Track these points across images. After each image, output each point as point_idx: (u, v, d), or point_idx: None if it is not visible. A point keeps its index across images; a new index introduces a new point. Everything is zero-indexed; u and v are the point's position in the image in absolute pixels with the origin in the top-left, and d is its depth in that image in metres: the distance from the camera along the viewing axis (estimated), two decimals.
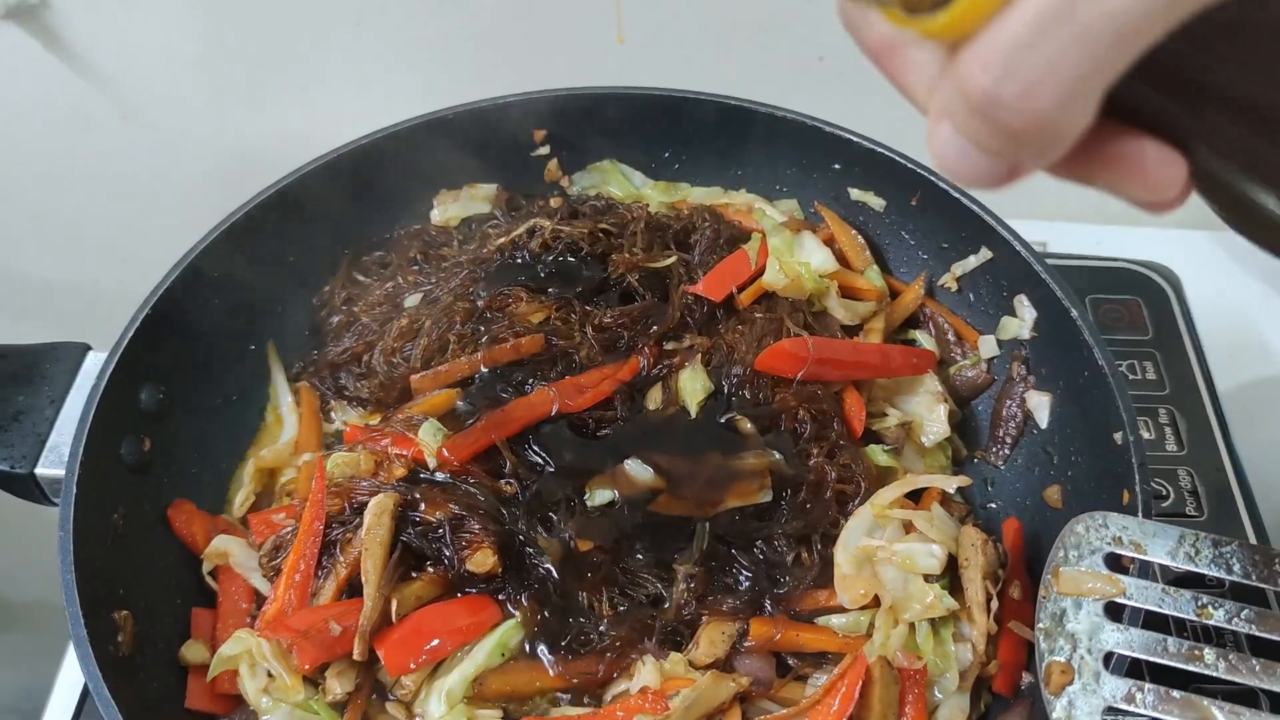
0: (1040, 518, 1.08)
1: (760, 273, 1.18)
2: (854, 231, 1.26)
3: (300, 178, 1.20)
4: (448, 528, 0.99)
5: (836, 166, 1.26)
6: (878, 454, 1.11)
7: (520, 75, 1.57)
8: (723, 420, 1.09)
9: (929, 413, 1.15)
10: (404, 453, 1.05)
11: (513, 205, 1.29)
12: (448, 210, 1.29)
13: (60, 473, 1.00)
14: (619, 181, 1.32)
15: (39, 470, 1.04)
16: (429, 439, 1.04)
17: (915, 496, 1.08)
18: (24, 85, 1.56)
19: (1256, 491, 1.20)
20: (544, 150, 1.33)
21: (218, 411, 1.17)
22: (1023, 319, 1.15)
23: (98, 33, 1.54)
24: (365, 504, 1.01)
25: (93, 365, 1.10)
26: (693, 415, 1.09)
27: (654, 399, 1.12)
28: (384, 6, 1.51)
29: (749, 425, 1.08)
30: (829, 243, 1.24)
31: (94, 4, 1.50)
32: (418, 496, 1.02)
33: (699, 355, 1.12)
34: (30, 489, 1.05)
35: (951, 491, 1.05)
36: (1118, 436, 0.98)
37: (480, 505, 1.00)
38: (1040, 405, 1.12)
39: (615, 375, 1.11)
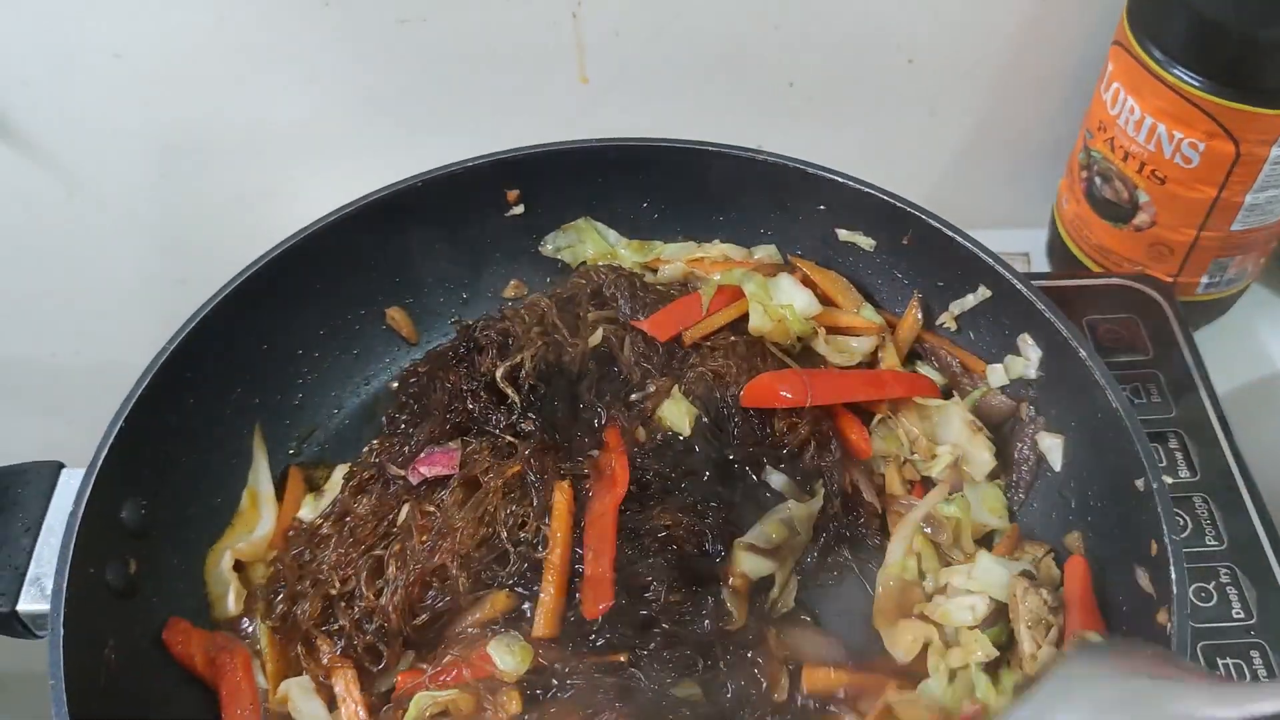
0: None
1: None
2: (834, 273, 1.23)
3: (266, 264, 1.15)
4: None
5: (821, 208, 1.22)
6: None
7: (482, 124, 1.53)
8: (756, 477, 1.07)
9: (969, 443, 1.11)
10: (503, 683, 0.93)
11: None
12: None
13: (44, 607, 0.94)
14: (594, 240, 1.28)
15: (20, 607, 0.98)
16: (507, 656, 0.93)
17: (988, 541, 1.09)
18: None
19: (1270, 504, 1.17)
20: (519, 210, 1.28)
21: (203, 518, 1.11)
22: (1028, 358, 1.11)
23: (35, 108, 1.48)
24: None
25: (68, 485, 1.03)
26: (688, 433, 1.07)
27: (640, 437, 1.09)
28: (335, 64, 1.46)
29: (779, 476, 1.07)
30: (807, 285, 1.20)
31: (29, 80, 1.44)
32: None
33: (672, 388, 1.10)
34: (12, 626, 0.99)
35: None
36: (1139, 483, 0.95)
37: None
38: (1053, 448, 1.08)
39: (618, 448, 1.07)
